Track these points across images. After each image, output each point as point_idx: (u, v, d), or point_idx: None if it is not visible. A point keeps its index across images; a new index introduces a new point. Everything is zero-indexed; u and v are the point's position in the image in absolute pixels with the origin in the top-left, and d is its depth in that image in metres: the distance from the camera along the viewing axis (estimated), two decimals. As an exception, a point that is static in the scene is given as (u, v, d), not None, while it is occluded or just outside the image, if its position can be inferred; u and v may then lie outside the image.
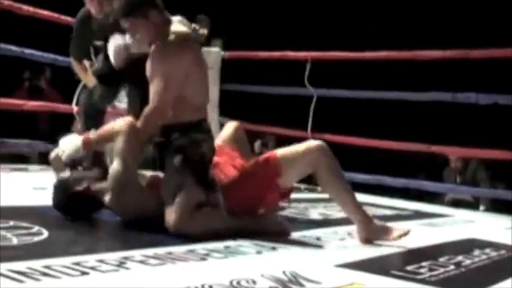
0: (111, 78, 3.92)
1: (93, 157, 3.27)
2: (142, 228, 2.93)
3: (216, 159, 3.23)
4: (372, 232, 3.17)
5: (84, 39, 4.38)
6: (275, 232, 3.13)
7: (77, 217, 3.11)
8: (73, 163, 3.23)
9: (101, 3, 4.21)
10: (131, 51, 3.54)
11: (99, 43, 4.16)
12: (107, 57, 3.90)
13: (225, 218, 3.06)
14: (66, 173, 3.23)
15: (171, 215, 2.92)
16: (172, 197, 2.94)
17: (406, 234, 3.16)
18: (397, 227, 3.29)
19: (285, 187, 3.20)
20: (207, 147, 3.13)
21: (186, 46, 3.20)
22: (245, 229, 3.05)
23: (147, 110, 3.06)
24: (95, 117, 4.04)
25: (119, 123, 3.05)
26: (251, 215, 3.16)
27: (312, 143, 3.24)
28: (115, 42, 3.66)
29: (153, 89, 3.08)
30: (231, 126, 3.70)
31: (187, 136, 3.09)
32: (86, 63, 4.49)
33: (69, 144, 3.14)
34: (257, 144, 9.54)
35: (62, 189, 3.19)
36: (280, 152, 3.20)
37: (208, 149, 3.14)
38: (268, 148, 9.38)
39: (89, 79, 4.43)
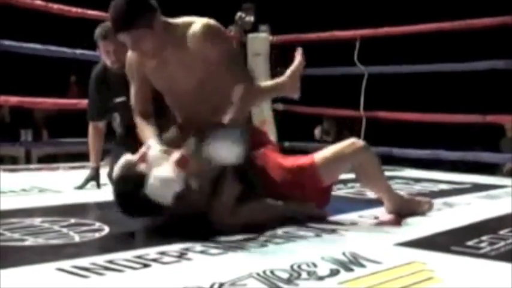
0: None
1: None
2: (187, 220, 2.82)
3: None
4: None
5: (103, 99, 4.12)
6: (314, 216, 3.09)
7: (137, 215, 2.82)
8: None
9: (118, 53, 3.83)
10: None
11: (120, 100, 3.97)
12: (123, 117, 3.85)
13: (267, 206, 3.00)
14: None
15: (216, 209, 2.80)
16: (215, 191, 2.82)
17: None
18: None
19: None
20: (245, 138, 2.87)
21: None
22: (286, 215, 3.01)
23: (245, 90, 2.83)
24: None
25: None
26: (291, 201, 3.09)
27: (350, 146, 3.11)
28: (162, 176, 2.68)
29: (239, 68, 2.93)
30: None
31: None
32: (101, 124, 4.26)
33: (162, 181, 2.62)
34: (317, 130, 9.47)
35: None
36: (318, 159, 3.09)
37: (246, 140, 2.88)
38: (330, 137, 9.33)
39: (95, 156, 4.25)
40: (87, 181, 4.18)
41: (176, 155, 2.65)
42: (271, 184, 3.05)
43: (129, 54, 3.01)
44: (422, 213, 3.29)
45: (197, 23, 2.83)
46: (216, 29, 2.87)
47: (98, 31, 3.94)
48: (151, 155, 2.71)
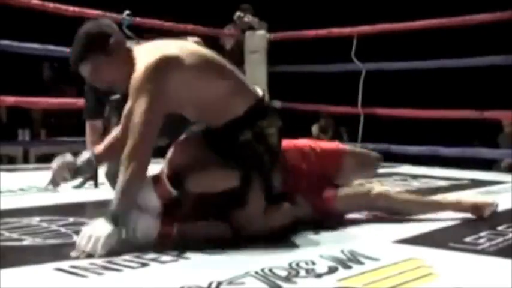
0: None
1: None
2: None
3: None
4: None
5: (99, 97, 4.04)
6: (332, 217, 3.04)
7: None
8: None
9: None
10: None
11: (114, 97, 3.87)
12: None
13: (289, 211, 2.86)
14: None
15: (244, 218, 2.64)
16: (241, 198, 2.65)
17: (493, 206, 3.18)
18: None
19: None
20: (274, 134, 2.71)
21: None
22: (305, 218, 2.95)
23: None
24: None
25: None
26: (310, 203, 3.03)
27: (372, 193, 3.08)
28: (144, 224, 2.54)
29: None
30: None
31: (250, 128, 2.63)
32: (98, 122, 4.17)
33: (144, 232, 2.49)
34: (314, 128, 9.46)
35: None
36: (338, 198, 3.04)
37: (275, 136, 2.72)
38: (327, 135, 9.30)
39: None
40: (85, 180, 4.17)
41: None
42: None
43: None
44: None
45: (139, 66, 2.51)
46: (138, 84, 2.47)
47: None
48: None
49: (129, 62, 2.56)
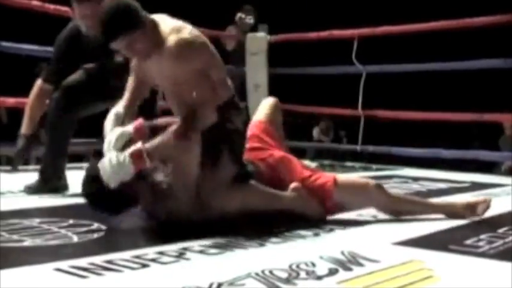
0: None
1: None
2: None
3: (252, 139, 3.17)
4: (458, 214, 3.15)
5: (70, 62, 3.86)
6: (314, 215, 3.03)
7: (111, 212, 2.83)
8: None
9: (95, 17, 3.28)
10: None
11: (89, 66, 3.84)
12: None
13: (266, 196, 2.94)
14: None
15: (208, 192, 2.79)
16: (208, 174, 2.79)
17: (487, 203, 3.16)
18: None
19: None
20: (240, 121, 2.96)
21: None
22: (284, 209, 2.96)
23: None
24: None
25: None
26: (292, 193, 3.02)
27: (371, 184, 3.10)
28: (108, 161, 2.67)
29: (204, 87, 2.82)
30: (268, 104, 3.45)
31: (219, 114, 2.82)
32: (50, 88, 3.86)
33: (111, 165, 2.62)
34: (315, 130, 9.47)
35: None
36: (338, 184, 3.05)
37: (241, 123, 2.98)
38: (328, 137, 9.32)
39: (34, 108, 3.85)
40: (19, 154, 3.90)
41: (133, 147, 2.65)
42: (282, 179, 3.05)
43: None
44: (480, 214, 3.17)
45: (173, 36, 2.73)
46: (187, 50, 2.74)
47: None
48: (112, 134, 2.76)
49: (156, 32, 2.75)
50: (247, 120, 3.14)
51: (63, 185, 3.97)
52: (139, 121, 2.77)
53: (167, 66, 2.76)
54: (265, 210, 2.90)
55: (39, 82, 3.87)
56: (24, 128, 3.88)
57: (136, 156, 2.62)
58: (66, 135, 3.93)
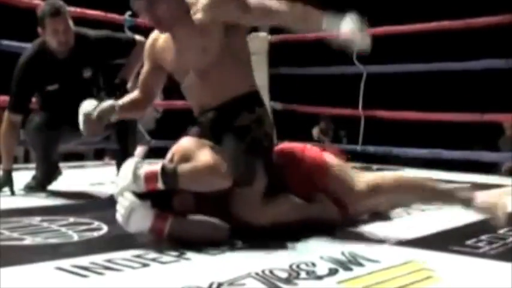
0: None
1: None
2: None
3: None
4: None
5: (33, 86, 3.75)
6: (333, 221, 2.91)
7: None
8: None
9: (67, 33, 3.58)
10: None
11: (52, 88, 3.73)
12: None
13: (296, 206, 2.81)
14: None
15: (242, 205, 2.63)
16: (241, 185, 2.61)
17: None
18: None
19: None
20: (268, 124, 2.80)
21: None
22: (311, 218, 2.83)
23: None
24: None
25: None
26: (315, 202, 2.91)
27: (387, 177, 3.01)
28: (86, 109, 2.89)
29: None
30: None
31: (251, 112, 2.71)
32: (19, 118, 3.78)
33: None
34: (315, 130, 9.46)
35: None
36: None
37: (270, 126, 2.82)
38: (328, 136, 9.31)
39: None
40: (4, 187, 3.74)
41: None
42: (299, 183, 2.88)
43: (149, 38, 2.94)
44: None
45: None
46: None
47: (47, 8, 3.63)
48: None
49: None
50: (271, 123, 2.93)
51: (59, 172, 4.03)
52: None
53: (204, 26, 2.66)
54: (295, 220, 2.76)
55: (6, 114, 3.77)
56: (4, 164, 3.80)
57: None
58: (51, 147, 3.91)
